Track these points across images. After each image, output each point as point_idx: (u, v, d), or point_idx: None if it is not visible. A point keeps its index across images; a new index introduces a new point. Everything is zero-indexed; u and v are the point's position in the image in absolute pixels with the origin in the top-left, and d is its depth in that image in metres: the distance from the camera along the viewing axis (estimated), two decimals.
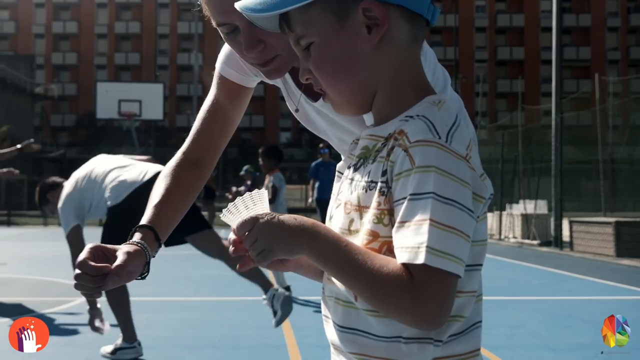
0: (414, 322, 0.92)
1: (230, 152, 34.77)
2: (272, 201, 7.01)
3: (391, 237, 0.95)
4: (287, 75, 1.54)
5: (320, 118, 1.57)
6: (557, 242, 13.40)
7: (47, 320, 5.57)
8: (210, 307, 6.34)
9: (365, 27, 1.00)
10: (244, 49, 1.34)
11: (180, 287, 7.66)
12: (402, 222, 0.92)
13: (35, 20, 59.61)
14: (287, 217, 0.99)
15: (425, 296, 0.89)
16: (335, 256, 0.95)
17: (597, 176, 16.57)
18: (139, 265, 1.30)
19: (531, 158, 17.43)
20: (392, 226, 0.95)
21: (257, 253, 0.99)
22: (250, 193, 1.09)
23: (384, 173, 0.97)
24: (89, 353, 4.44)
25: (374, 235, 0.97)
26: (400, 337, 0.97)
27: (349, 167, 1.10)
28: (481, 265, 1.03)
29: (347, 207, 1.04)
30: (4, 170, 6.86)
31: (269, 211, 1.04)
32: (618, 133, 19.00)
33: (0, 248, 12.94)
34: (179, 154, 1.59)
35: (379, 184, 0.98)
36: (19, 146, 6.51)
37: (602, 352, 4.03)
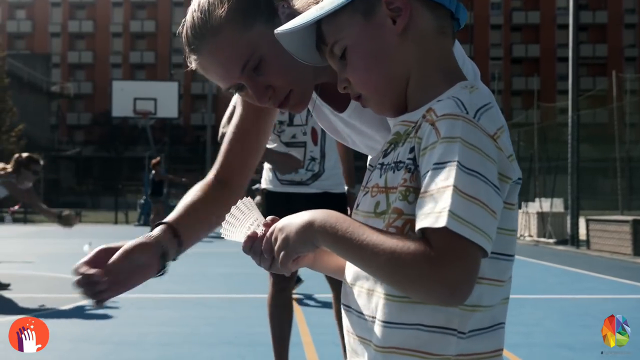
0: (433, 291, 0.89)
1: None
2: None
3: (414, 214, 0.93)
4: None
5: (350, 131, 1.55)
6: (574, 240, 13.30)
7: (63, 317, 5.61)
8: (226, 305, 6.35)
9: (389, 19, 1.03)
10: (256, 100, 1.34)
11: (196, 284, 7.68)
12: (425, 192, 0.91)
13: (52, 19, 60.02)
14: (299, 214, 1.02)
15: (446, 262, 0.87)
16: (349, 239, 0.95)
17: (614, 174, 16.44)
18: (148, 258, 1.29)
19: (547, 156, 17.32)
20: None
21: (279, 255, 1.03)
22: (236, 205, 1.14)
23: (412, 150, 0.98)
24: (105, 349, 4.46)
25: (398, 212, 0.97)
26: (421, 325, 0.96)
27: (378, 158, 1.11)
28: (510, 256, 1.02)
29: (374, 190, 1.05)
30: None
31: (260, 215, 1.10)
32: (635, 131, 18.84)
33: (18, 245, 13.04)
34: (208, 176, 1.56)
35: (407, 162, 0.98)
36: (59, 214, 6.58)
37: (602, 352, 4.01)
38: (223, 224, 1.15)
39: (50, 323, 5.28)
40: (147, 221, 21.00)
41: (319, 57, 1.14)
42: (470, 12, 38.23)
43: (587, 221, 12.95)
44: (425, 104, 1.03)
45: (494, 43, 56.70)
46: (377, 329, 1.00)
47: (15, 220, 23.48)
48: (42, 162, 6.98)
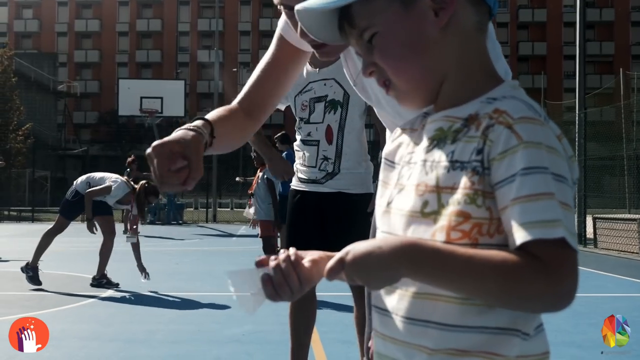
0: (551, 305, 0.88)
1: (249, 148, 34.81)
2: (273, 199, 6.92)
3: (483, 218, 0.92)
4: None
5: (381, 90, 1.58)
6: (581, 239, 13.27)
7: (73, 315, 5.64)
8: (234, 302, 6.35)
9: (431, 11, 1.00)
10: (300, 33, 1.37)
11: (203, 282, 7.70)
12: (520, 198, 0.88)
13: (58, 18, 60.19)
14: (371, 247, 0.92)
15: (563, 275, 0.85)
16: (445, 270, 0.90)
17: (621, 172, 16.40)
18: (201, 152, 1.37)
19: None
20: (485, 207, 0.92)
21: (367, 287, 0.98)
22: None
23: (479, 152, 0.94)
24: (114, 347, 4.48)
25: (465, 216, 0.93)
26: (485, 327, 0.93)
27: (410, 152, 1.06)
28: None
29: (419, 188, 0.99)
30: None
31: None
32: None
33: (27, 244, 13.09)
34: (233, 102, 1.67)
35: (472, 164, 0.94)
36: None
37: (602, 352, 4.00)
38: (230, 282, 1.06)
39: (59, 321, 5.32)
40: (154, 220, 21.09)
41: (336, 36, 1.10)
42: None
43: (595, 219, 12.91)
44: (470, 100, 1.00)
45: (501, 41, 55.94)
46: (434, 332, 0.96)
47: (22, 219, 23.56)
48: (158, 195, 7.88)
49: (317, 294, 3.52)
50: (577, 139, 13.59)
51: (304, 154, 3.47)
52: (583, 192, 13.39)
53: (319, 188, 3.40)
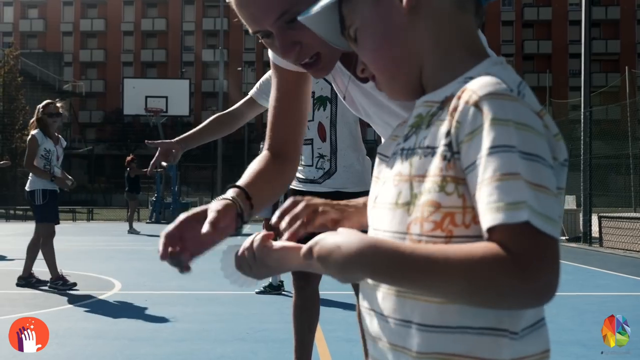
0: (525, 299, 0.79)
1: (253, 148, 34.89)
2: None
3: (455, 207, 0.86)
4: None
5: (367, 101, 1.56)
6: (586, 237, 13.24)
7: (78, 313, 5.65)
8: (239, 301, 6.36)
9: None
10: (280, 54, 1.33)
11: (208, 280, 7.69)
12: (482, 181, 0.81)
13: (63, 18, 60.34)
14: (332, 247, 0.88)
15: (534, 265, 0.76)
16: (405, 272, 0.83)
17: (627, 171, 16.35)
18: (230, 220, 1.30)
19: None
20: (458, 195, 0.86)
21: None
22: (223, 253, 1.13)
23: (447, 134, 0.88)
24: (119, 345, 4.49)
25: (434, 205, 0.87)
26: (467, 327, 0.87)
27: (398, 144, 1.02)
28: None
29: (395, 179, 0.95)
30: (62, 178, 7.28)
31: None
32: None
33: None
34: (264, 150, 1.59)
35: (441, 148, 0.88)
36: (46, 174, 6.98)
37: (602, 352, 3.99)
38: (222, 270, 1.12)
39: (64, 319, 5.34)
40: (159, 219, 21.12)
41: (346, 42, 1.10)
42: None
43: (600, 218, 12.88)
44: (449, 82, 0.95)
45: (506, 39, 56.42)
46: (416, 333, 0.90)
47: (28, 218, 23.62)
48: (59, 104, 7.31)
49: (321, 292, 3.51)
50: (582, 138, 13.55)
51: (306, 153, 3.45)
52: (589, 190, 13.35)
53: (317, 188, 3.39)
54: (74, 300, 6.27)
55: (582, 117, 13.67)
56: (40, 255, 6.95)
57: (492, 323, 0.86)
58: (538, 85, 52.08)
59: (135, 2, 60.14)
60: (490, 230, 0.79)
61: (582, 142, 13.53)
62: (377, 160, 1.09)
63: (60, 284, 6.85)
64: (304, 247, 0.93)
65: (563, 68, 54.98)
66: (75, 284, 6.94)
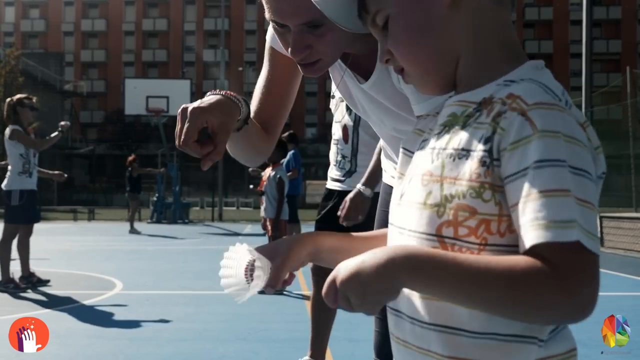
0: (569, 317, 0.79)
1: None
2: (280, 198, 6.95)
3: (491, 215, 0.84)
4: None
5: (365, 99, 1.57)
6: None
7: (80, 313, 5.66)
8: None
9: None
10: (290, 51, 1.33)
11: (209, 280, 7.70)
12: (531, 194, 0.79)
13: (65, 18, 60.38)
14: (365, 259, 0.84)
15: (579, 282, 0.76)
16: (447, 278, 0.81)
17: (628, 171, 16.32)
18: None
19: None
20: (494, 202, 0.84)
21: (361, 311, 0.85)
22: (227, 253, 1.07)
23: (488, 140, 0.85)
24: (120, 345, 4.50)
25: (471, 211, 0.85)
26: (496, 334, 0.85)
27: (424, 140, 0.99)
28: None
29: (424, 177, 0.92)
30: (56, 172, 7.16)
31: (255, 256, 1.02)
32: None
33: (32, 243, 13.14)
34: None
35: (479, 153, 0.85)
36: (56, 133, 6.91)
37: (602, 352, 3.99)
38: (221, 275, 1.07)
39: (66, 319, 5.34)
40: (160, 219, 21.13)
41: (360, 24, 1.06)
42: None
43: (601, 218, 12.86)
44: (486, 83, 0.92)
45: None
46: (441, 336, 0.89)
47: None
48: (34, 99, 7.06)
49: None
50: None
51: (332, 152, 3.72)
52: None
53: (341, 186, 3.62)
54: (75, 300, 6.27)
55: None
56: (38, 253, 6.93)
57: (521, 331, 0.85)
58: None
59: (136, 2, 60.18)
60: (537, 245, 0.78)
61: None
62: (400, 155, 1.06)
63: (11, 287, 6.66)
64: (325, 285, 0.87)
65: (564, 68, 54.95)
66: (45, 282, 6.87)
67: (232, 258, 1.06)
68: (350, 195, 3.13)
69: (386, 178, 1.92)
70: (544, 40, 56.66)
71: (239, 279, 1.04)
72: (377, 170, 3.55)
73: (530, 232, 0.78)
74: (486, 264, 0.79)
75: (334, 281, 0.85)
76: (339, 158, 3.62)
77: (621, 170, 18.09)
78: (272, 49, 1.58)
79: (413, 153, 1.01)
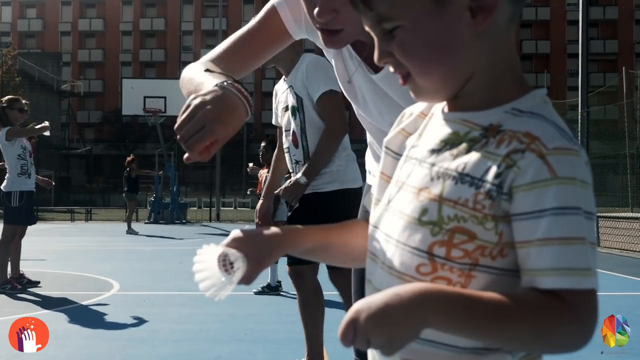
0: (579, 346, 0.86)
1: (252, 148, 34.87)
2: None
3: (490, 242, 0.87)
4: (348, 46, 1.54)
5: (370, 90, 1.56)
6: None
7: (77, 314, 5.66)
8: (237, 302, 6.37)
9: (467, 11, 0.89)
10: (317, 12, 1.33)
11: None
12: (550, 239, 0.83)
13: (62, 18, 60.32)
14: (388, 297, 0.83)
15: (590, 320, 0.85)
16: (474, 316, 0.83)
17: (624, 171, 16.36)
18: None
19: None
20: (495, 232, 0.87)
21: (382, 353, 0.85)
22: (198, 257, 1.03)
23: (499, 175, 0.86)
24: (116, 346, 4.51)
25: (470, 235, 0.87)
26: (476, 348, 0.90)
27: (413, 146, 0.99)
28: None
29: (421, 194, 0.92)
30: (45, 179, 7.18)
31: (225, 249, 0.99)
32: None
33: (29, 244, 13.14)
34: (205, 59, 1.54)
35: (488, 185, 0.87)
36: (37, 126, 6.94)
37: (602, 352, 4.00)
38: (197, 278, 1.02)
39: (63, 320, 5.34)
40: (157, 219, 21.12)
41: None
42: None
43: (597, 218, 12.89)
44: (493, 106, 0.92)
45: None
46: (435, 353, 0.92)
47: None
48: (23, 101, 7.07)
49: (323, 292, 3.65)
50: (580, 138, 13.56)
51: (287, 162, 3.71)
52: None
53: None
54: (72, 301, 6.28)
55: (579, 117, 13.69)
56: (35, 254, 6.93)
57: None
58: (536, 85, 51.92)
59: (133, 1, 60.14)
60: (560, 289, 0.84)
61: (579, 142, 13.54)
62: (383, 154, 1.05)
63: (8, 288, 6.64)
64: (342, 324, 0.84)
65: (561, 68, 55.02)
66: (36, 284, 6.86)
67: (203, 261, 1.03)
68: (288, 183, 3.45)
69: (370, 179, 1.89)
70: (541, 40, 56.73)
71: (216, 278, 1.02)
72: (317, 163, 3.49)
73: (550, 277, 0.84)
74: (509, 304, 0.83)
75: (353, 323, 0.83)
76: (293, 165, 3.61)
77: (617, 170, 18.13)
78: (273, 9, 1.57)
79: (398, 155, 1.02)
